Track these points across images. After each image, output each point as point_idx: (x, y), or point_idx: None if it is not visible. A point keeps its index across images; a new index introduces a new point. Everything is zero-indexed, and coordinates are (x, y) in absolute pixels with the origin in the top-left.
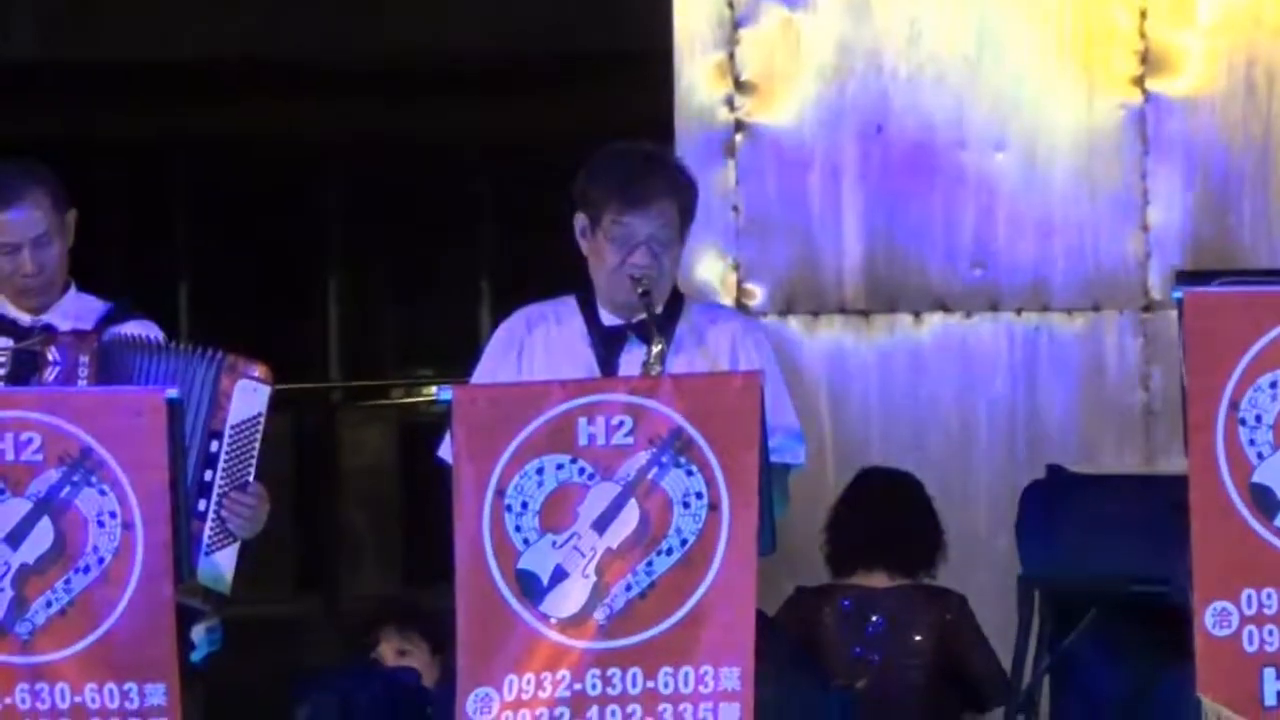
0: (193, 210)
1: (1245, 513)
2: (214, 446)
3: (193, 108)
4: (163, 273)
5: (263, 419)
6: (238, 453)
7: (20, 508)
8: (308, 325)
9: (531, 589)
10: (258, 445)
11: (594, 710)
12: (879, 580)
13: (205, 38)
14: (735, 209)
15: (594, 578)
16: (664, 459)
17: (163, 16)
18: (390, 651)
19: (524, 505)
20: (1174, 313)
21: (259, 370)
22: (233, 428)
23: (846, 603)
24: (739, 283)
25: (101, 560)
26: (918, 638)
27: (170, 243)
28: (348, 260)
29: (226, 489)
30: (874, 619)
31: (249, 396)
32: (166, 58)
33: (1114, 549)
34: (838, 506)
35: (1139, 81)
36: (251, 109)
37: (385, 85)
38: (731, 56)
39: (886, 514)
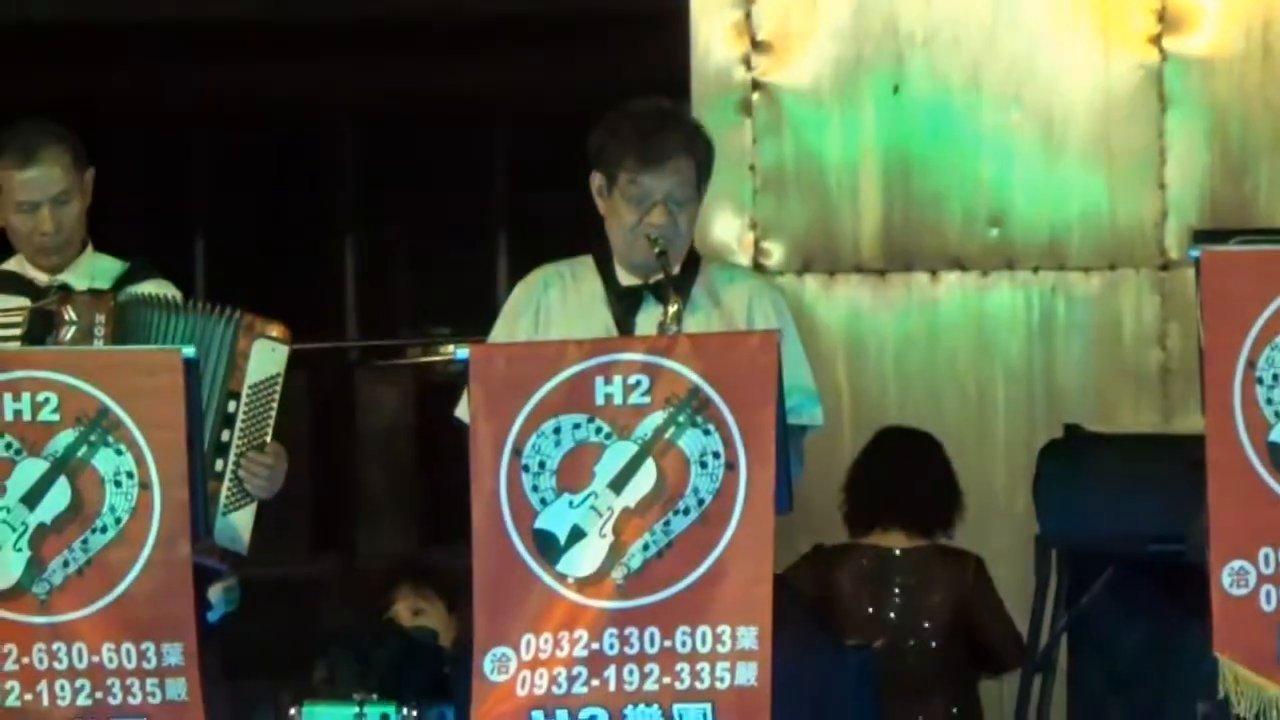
0: (208, 170)
1: (1263, 471)
2: (231, 407)
3: (207, 67)
4: (179, 232)
5: (280, 379)
6: (255, 413)
7: (37, 468)
8: (324, 283)
9: (549, 548)
10: (275, 406)
11: (611, 669)
12: (897, 540)
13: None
14: (752, 168)
15: (611, 537)
16: (681, 418)
17: None
18: (406, 611)
19: (541, 465)
20: (1191, 271)
21: (277, 330)
22: (250, 388)
23: (864, 562)
24: (756, 242)
25: (119, 520)
26: (935, 599)
27: (186, 203)
28: (362, 219)
29: (244, 449)
30: (891, 579)
31: (267, 356)
32: (183, 17)
33: (1131, 508)
34: (855, 466)
35: (1156, 40)
36: (265, 69)
37: (396, 43)
38: (748, 16)
39: (904, 473)
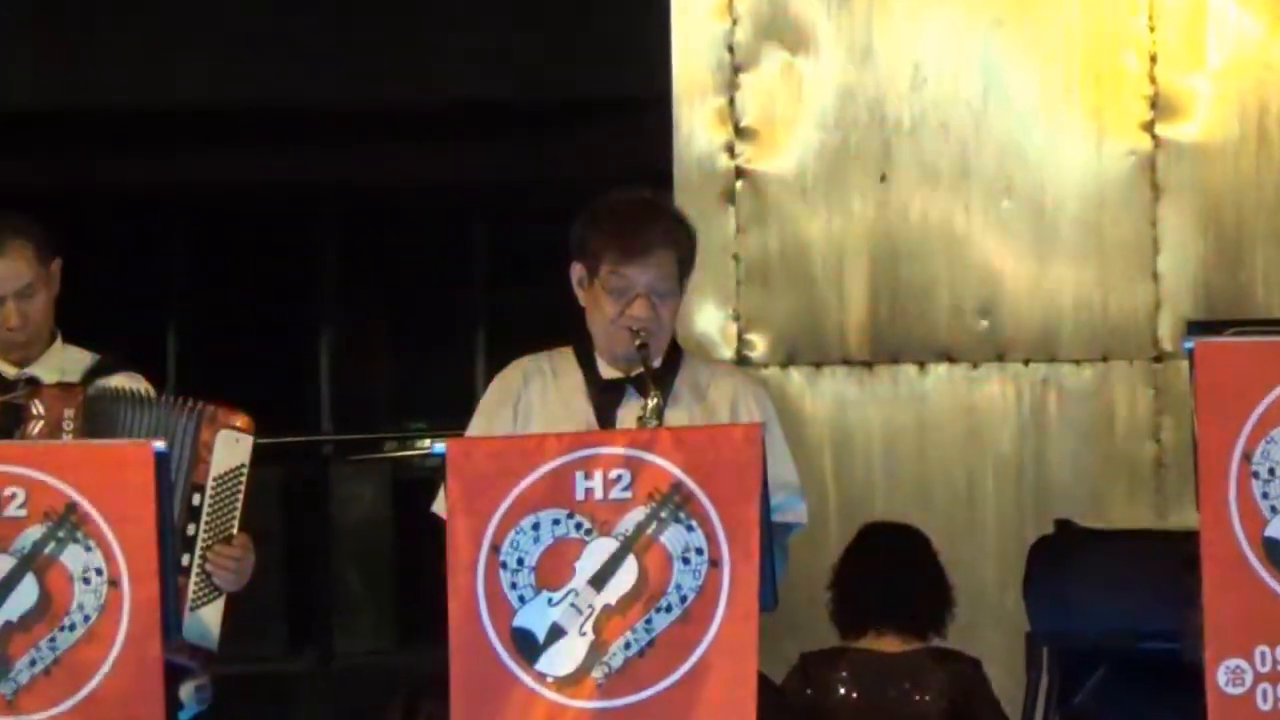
0: (182, 259)
1: (1259, 568)
2: (196, 499)
3: (183, 155)
4: (151, 323)
5: (245, 470)
6: (221, 505)
7: (4, 564)
8: (299, 377)
9: (528, 647)
10: (241, 497)
11: None
12: (890, 644)
13: (197, 84)
14: (736, 258)
15: (592, 635)
16: (663, 513)
17: (153, 63)
18: None
19: (520, 561)
20: (1185, 363)
21: (240, 420)
22: (215, 479)
23: (857, 668)
24: (740, 333)
25: (87, 618)
26: (933, 705)
27: (159, 292)
28: (340, 310)
29: (210, 542)
30: (887, 685)
31: (231, 447)
32: (158, 104)
33: (1124, 605)
34: (842, 564)
35: (1149, 127)
36: (244, 155)
37: (380, 130)
38: (732, 102)
39: (893, 571)
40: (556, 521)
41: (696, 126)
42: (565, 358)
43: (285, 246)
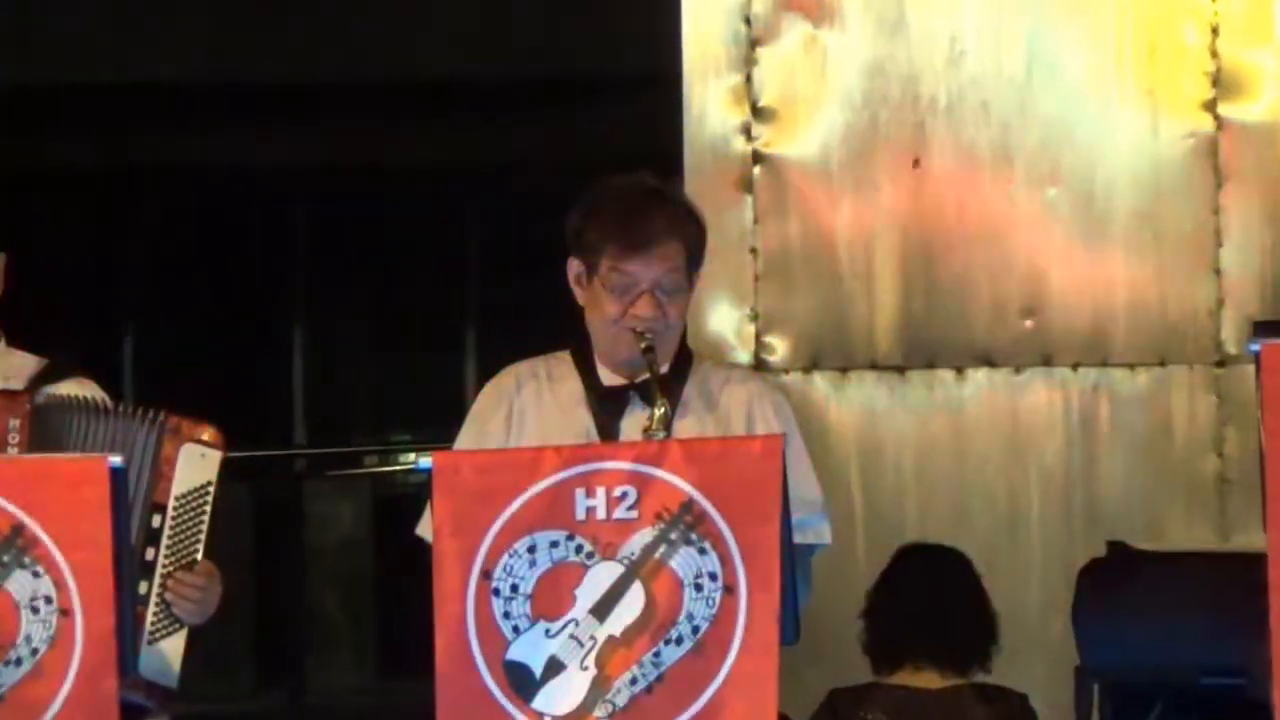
0: (139, 251)
1: None
2: (156, 521)
3: (141, 136)
4: (106, 322)
5: (212, 488)
6: (183, 527)
7: None
8: (270, 383)
9: (523, 683)
10: (206, 519)
11: None
12: (929, 680)
13: (157, 58)
14: (753, 252)
15: (594, 670)
16: (673, 535)
17: (108, 35)
18: None
19: (514, 588)
20: (1250, 368)
21: (207, 433)
22: (178, 499)
23: (893, 706)
24: (757, 335)
25: (35, 651)
26: None
27: (113, 289)
28: (315, 308)
29: (171, 568)
30: None
31: (196, 463)
32: (114, 79)
33: (1183, 636)
34: (875, 591)
35: (1210, 106)
36: (208, 135)
37: (360, 109)
38: (749, 79)
39: (932, 598)
40: (555, 544)
41: (709, 106)
42: (563, 363)
43: (255, 236)
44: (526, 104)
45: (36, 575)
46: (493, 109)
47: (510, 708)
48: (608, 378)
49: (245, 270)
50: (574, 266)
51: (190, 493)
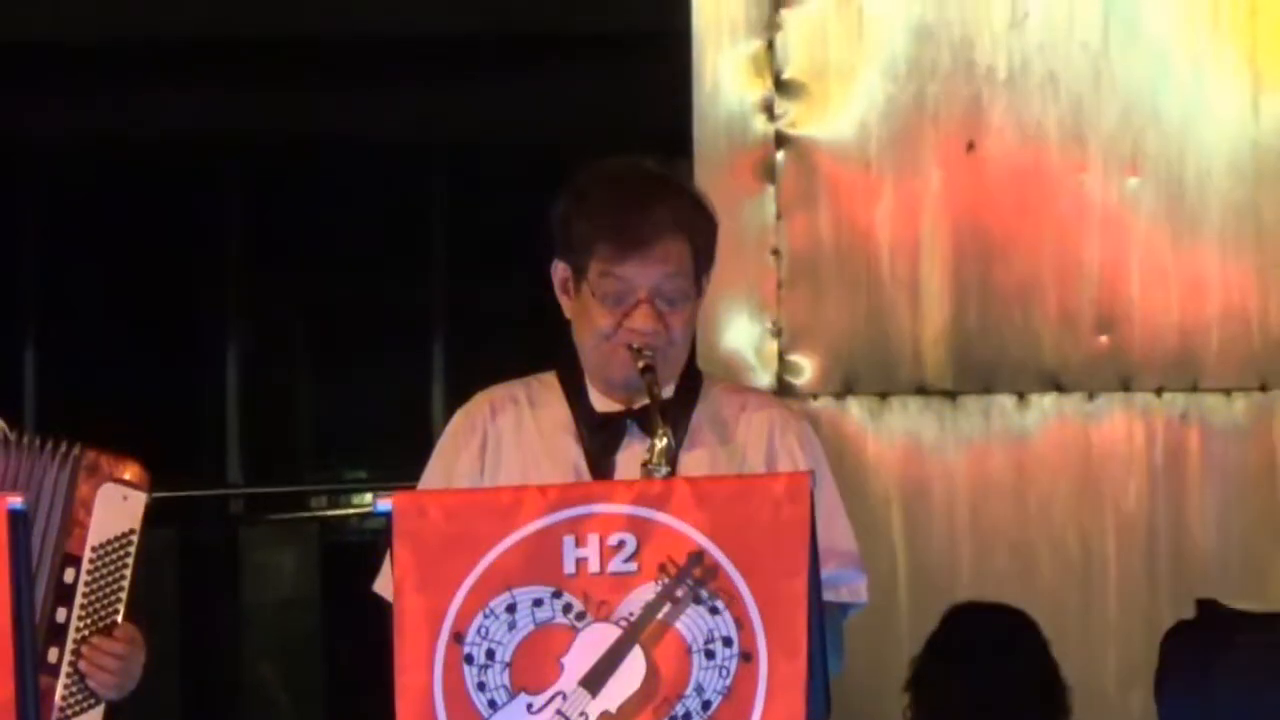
0: (39, 241)
1: None
2: (69, 575)
3: (42, 100)
4: (2, 334)
5: (135, 536)
6: (101, 583)
7: None
8: (201, 408)
9: None
10: (128, 573)
11: None
12: None
13: (59, 11)
14: (775, 253)
15: None
16: (679, 592)
17: None
18: None
19: (490, 654)
20: None
21: (129, 471)
22: (95, 549)
23: None
24: (780, 352)
25: None
26: None
27: (8, 292)
28: (251, 315)
29: (87, 632)
30: None
31: (116, 507)
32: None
33: None
34: (922, 657)
35: None
36: (120, 100)
37: (303, 67)
38: (770, 46)
39: (990, 666)
40: (538, 602)
41: (724, 77)
42: (548, 386)
43: (180, 223)
44: (508, 71)
45: None
46: (468, 76)
47: None
48: (600, 403)
49: (167, 267)
50: (559, 271)
51: (109, 542)
